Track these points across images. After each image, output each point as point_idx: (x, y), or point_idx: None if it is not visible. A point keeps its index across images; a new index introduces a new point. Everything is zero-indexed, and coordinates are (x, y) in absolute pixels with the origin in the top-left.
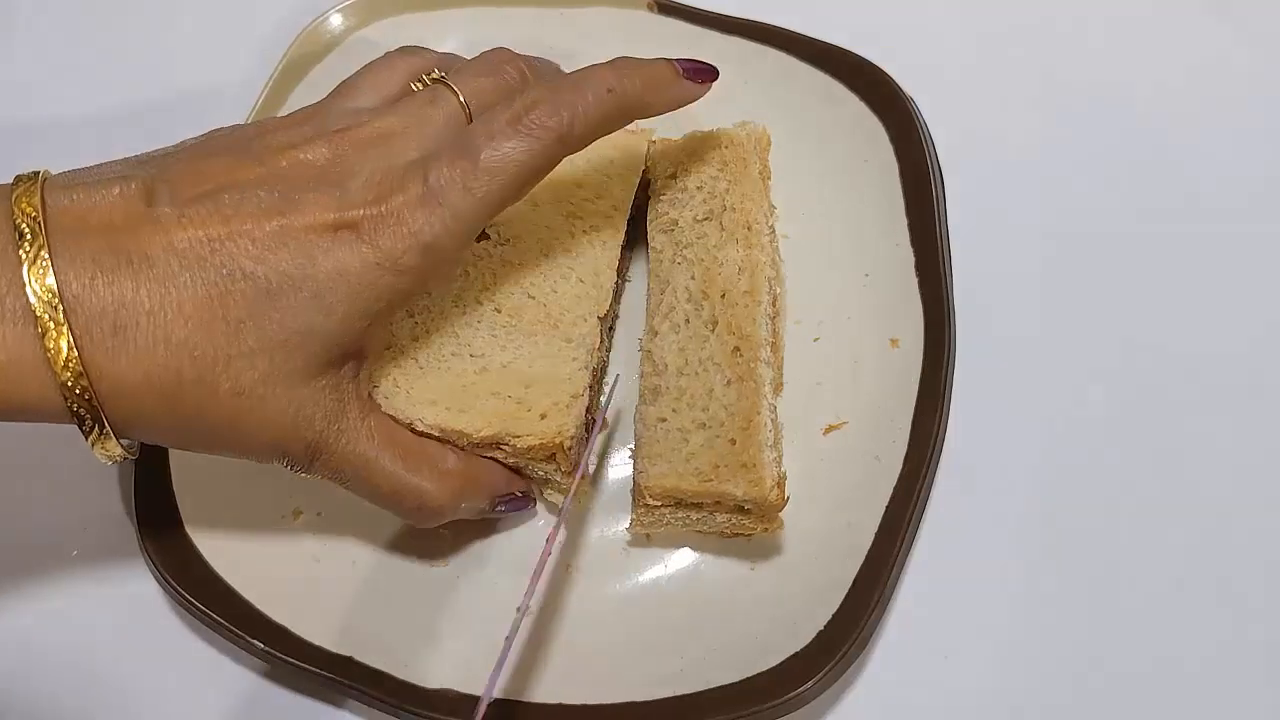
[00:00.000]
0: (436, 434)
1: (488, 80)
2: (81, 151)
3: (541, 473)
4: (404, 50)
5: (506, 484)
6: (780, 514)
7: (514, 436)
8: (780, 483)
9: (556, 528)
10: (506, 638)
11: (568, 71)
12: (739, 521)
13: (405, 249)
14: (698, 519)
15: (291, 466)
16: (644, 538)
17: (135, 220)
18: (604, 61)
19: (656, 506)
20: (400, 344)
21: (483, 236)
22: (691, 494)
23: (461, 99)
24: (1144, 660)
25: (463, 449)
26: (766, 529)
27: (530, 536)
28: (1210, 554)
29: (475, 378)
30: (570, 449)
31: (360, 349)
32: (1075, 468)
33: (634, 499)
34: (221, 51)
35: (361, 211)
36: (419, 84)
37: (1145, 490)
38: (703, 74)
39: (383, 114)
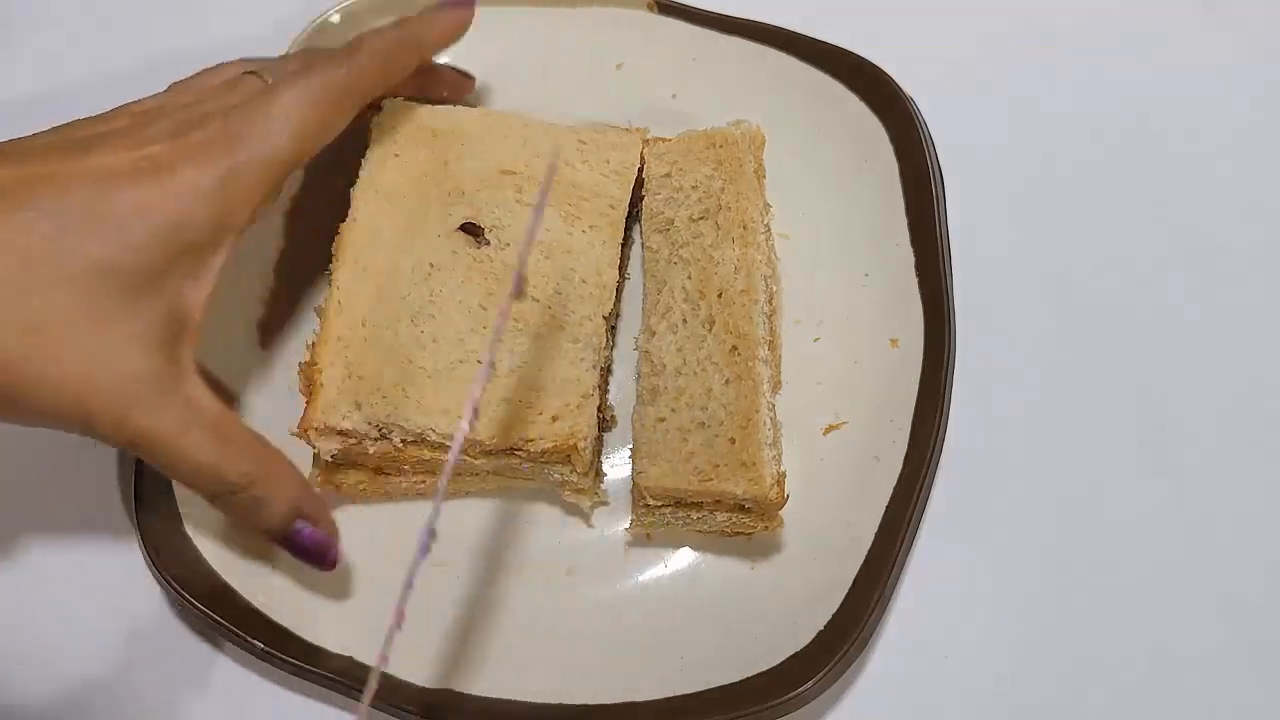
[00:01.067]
0: (448, 443)
1: (291, 65)
2: None
3: (558, 475)
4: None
5: (313, 507)
6: (780, 512)
7: (527, 441)
8: (780, 481)
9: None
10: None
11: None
12: (739, 520)
13: (202, 177)
14: (698, 518)
15: (95, 430)
16: (644, 537)
17: None
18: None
19: (657, 506)
20: (407, 353)
21: (483, 243)
22: (691, 493)
23: (265, 79)
24: (1142, 661)
25: (477, 458)
26: (767, 527)
27: (536, 539)
28: (1209, 553)
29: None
30: (584, 450)
31: (178, 307)
32: (1075, 468)
33: (633, 499)
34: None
35: (159, 148)
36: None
37: (1145, 491)
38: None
39: (184, 91)
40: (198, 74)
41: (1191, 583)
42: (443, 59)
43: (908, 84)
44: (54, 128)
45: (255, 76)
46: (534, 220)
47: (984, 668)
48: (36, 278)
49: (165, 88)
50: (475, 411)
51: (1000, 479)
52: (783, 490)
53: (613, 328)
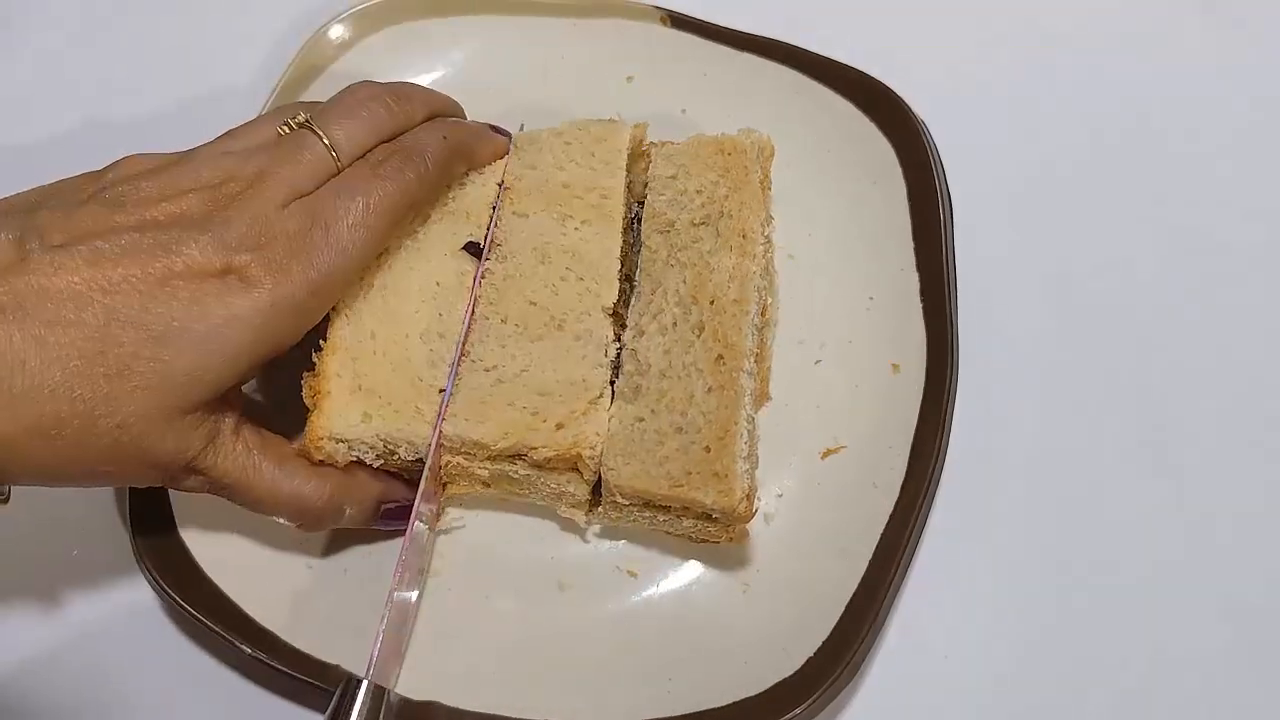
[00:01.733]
0: (457, 446)
1: (349, 122)
2: (80, 165)
3: (557, 485)
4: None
5: (387, 490)
6: (747, 525)
7: (531, 448)
8: (750, 495)
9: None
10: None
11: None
12: (704, 528)
13: (294, 289)
14: (664, 521)
15: (171, 485)
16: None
17: (6, 270)
18: (432, 90)
19: (625, 505)
20: (416, 369)
21: (483, 256)
22: (661, 497)
23: (326, 141)
24: (1142, 662)
25: (480, 462)
26: (731, 539)
27: (529, 553)
28: (1209, 554)
29: (491, 390)
30: (591, 459)
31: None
32: (1075, 468)
33: (602, 492)
34: (220, 56)
35: (246, 256)
36: (285, 128)
37: (1145, 491)
38: (501, 130)
39: (250, 159)
40: (253, 123)
41: (1192, 583)
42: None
43: (909, 84)
44: (92, 182)
45: (318, 138)
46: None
47: (984, 668)
48: (125, 384)
49: (209, 142)
50: (438, 437)
51: (1000, 479)
52: (751, 504)
53: (624, 325)
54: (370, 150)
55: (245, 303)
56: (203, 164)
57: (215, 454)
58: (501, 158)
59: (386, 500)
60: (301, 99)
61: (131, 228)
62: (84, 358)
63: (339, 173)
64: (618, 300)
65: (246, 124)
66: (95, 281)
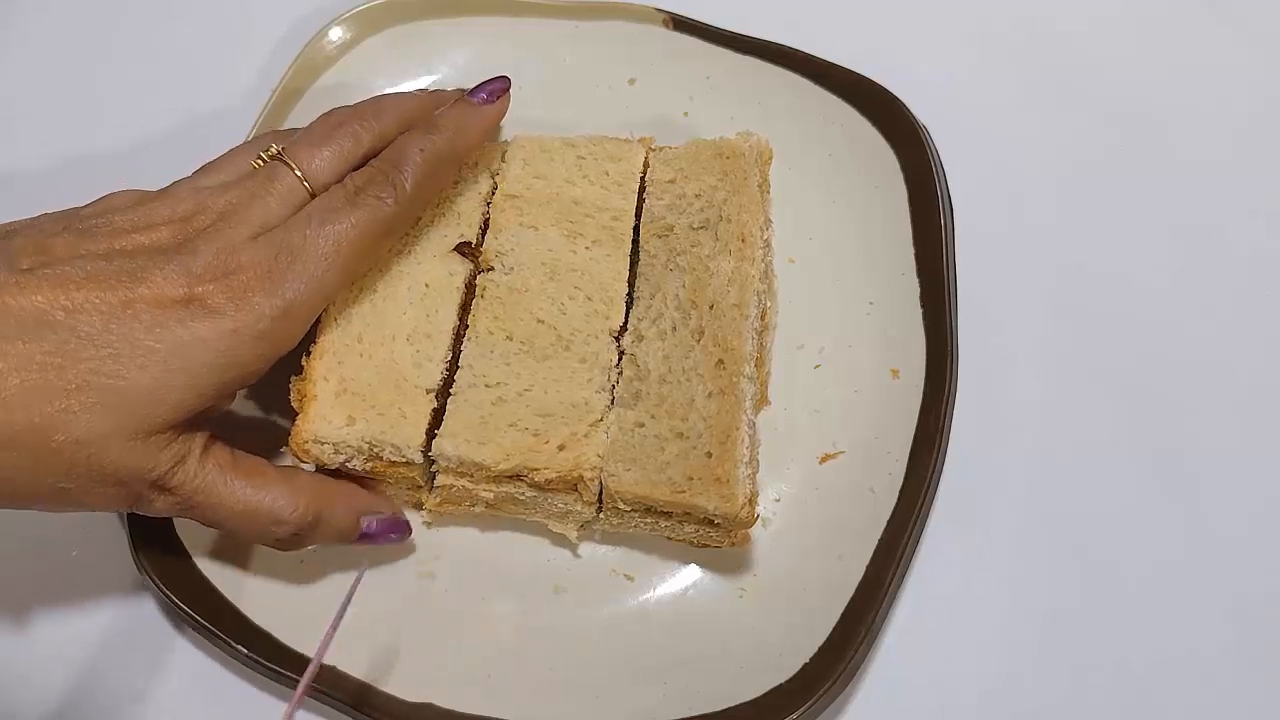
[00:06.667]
0: (456, 466)
1: (321, 149)
2: (80, 170)
3: (562, 505)
4: (250, 141)
5: (368, 504)
6: (749, 530)
7: (532, 470)
8: (751, 500)
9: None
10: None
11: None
12: (706, 533)
13: (257, 317)
14: (666, 526)
15: (138, 507)
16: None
17: None
18: (405, 96)
19: (626, 511)
20: (402, 371)
21: (489, 268)
22: (663, 503)
23: (297, 173)
24: (1143, 663)
25: (481, 484)
26: (734, 544)
27: (526, 553)
28: (1210, 554)
29: (493, 409)
30: (592, 481)
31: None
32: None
33: (601, 499)
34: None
35: (211, 286)
36: (259, 161)
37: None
38: (495, 91)
39: (223, 193)
40: (229, 156)
41: (1192, 585)
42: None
43: (910, 88)
44: (72, 216)
45: (289, 170)
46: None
47: (982, 673)
48: (83, 401)
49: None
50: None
51: (999, 484)
52: (753, 509)
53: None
54: (345, 176)
55: (206, 327)
56: (178, 199)
57: (184, 473)
58: (492, 126)
59: (366, 513)
60: (301, 101)
61: (99, 255)
62: (42, 371)
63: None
64: (621, 324)
65: (222, 156)
66: (58, 302)
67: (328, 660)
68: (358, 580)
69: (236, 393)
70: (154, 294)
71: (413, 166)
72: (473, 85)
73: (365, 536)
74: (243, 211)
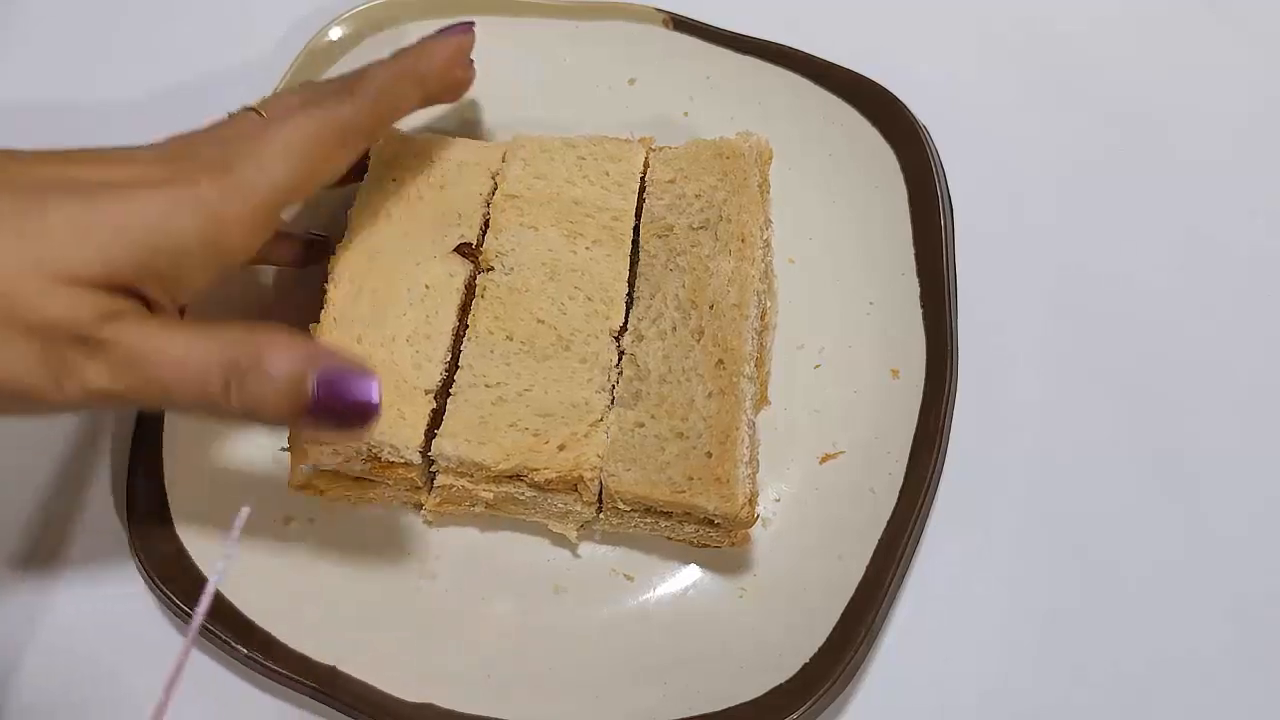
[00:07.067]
0: (456, 467)
1: (291, 98)
2: None
3: (562, 505)
4: None
5: (319, 347)
6: (749, 530)
7: (532, 470)
8: (751, 499)
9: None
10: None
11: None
12: (706, 533)
13: (190, 196)
14: (665, 526)
15: (63, 384)
16: (632, 564)
17: None
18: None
19: (626, 511)
20: (401, 372)
21: (489, 268)
22: (663, 503)
23: (262, 113)
24: (1143, 664)
25: (481, 484)
26: (734, 544)
27: (526, 553)
28: (1210, 555)
29: (493, 409)
30: (592, 481)
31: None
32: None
33: (601, 499)
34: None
35: (150, 169)
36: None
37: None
38: (458, 30)
39: (182, 135)
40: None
41: (1192, 585)
42: None
43: (910, 88)
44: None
45: (254, 112)
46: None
47: (983, 673)
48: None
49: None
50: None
51: (999, 484)
52: (754, 509)
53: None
54: None
55: (144, 192)
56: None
57: (114, 329)
58: (460, 63)
59: (317, 359)
60: None
61: (56, 157)
62: None
63: None
64: (621, 324)
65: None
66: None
67: (328, 660)
68: (243, 518)
69: (181, 291)
70: (95, 173)
71: (370, 78)
72: (473, 86)
73: (319, 405)
74: (196, 137)
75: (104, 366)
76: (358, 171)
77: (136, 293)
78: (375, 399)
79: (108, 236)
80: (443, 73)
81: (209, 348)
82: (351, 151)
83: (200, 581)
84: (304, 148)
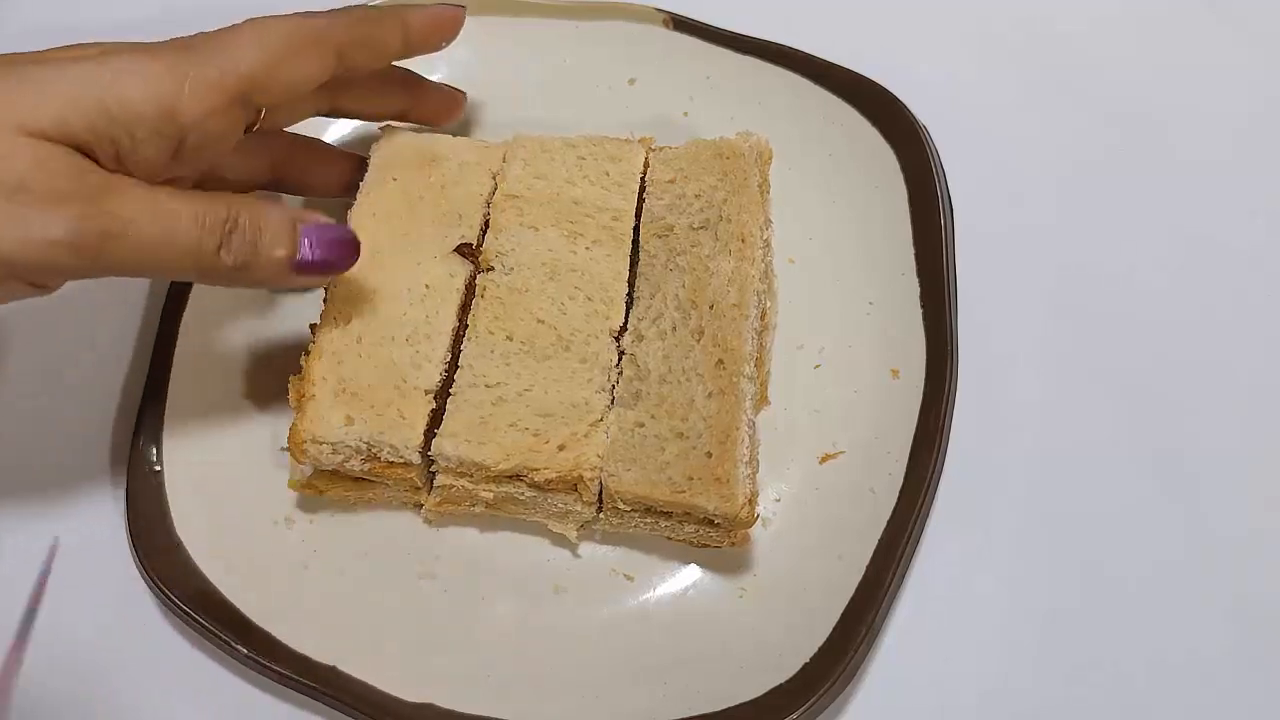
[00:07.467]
0: (456, 467)
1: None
2: None
3: (562, 504)
4: None
5: (301, 212)
6: (749, 530)
7: (532, 470)
8: (751, 499)
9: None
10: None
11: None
12: (706, 533)
13: (150, 63)
14: (665, 526)
15: (39, 237)
16: (632, 563)
17: None
18: None
19: (626, 511)
20: (401, 372)
21: (489, 268)
22: (663, 503)
23: None
24: (1143, 665)
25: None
26: (734, 544)
27: (525, 555)
28: (1211, 555)
29: (493, 409)
30: (591, 481)
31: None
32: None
33: (601, 499)
34: None
35: (127, 48)
36: None
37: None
38: (451, 6)
39: None
40: None
41: (1192, 585)
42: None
43: (910, 88)
44: None
45: None
46: None
47: (983, 673)
48: None
49: None
50: None
51: (999, 484)
52: (754, 509)
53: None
54: None
55: (106, 59)
56: None
57: (100, 180)
58: (444, 33)
59: (300, 220)
60: None
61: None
62: None
63: None
64: (621, 324)
65: None
66: None
67: (328, 660)
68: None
69: (135, 161)
70: (76, 49)
71: (352, 10)
72: (473, 86)
73: (309, 252)
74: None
75: (80, 220)
76: (358, 174)
77: (91, 156)
78: (355, 237)
79: (63, 97)
80: (428, 23)
81: (203, 204)
82: (323, 59)
83: (202, 584)
84: (272, 41)
